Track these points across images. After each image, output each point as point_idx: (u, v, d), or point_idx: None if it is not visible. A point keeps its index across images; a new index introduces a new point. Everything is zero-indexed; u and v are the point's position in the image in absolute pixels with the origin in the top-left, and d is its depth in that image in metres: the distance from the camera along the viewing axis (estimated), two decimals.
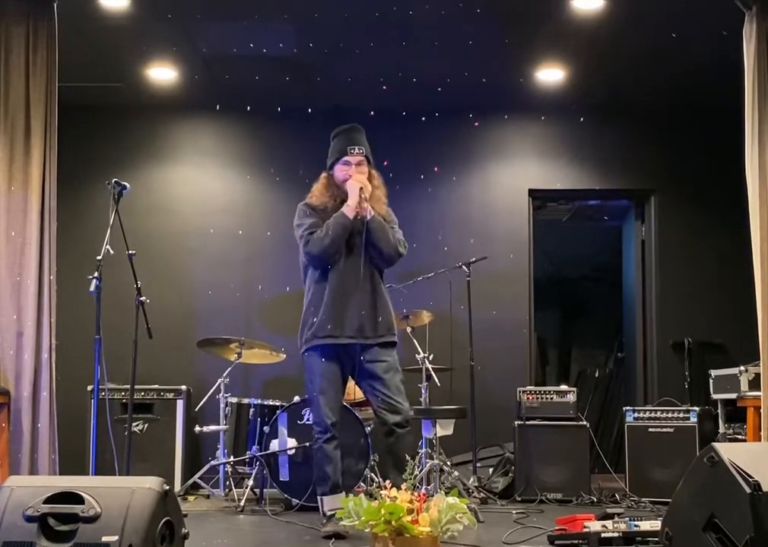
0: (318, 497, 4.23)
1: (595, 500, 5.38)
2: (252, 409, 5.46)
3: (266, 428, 5.18)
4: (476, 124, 6.70)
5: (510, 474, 5.69)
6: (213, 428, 5.43)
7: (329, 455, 4.15)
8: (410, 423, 4.25)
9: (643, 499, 5.32)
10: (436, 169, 6.68)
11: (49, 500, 2.69)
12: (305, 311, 4.33)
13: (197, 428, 5.41)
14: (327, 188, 4.34)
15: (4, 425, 4.44)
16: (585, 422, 5.63)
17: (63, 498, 2.69)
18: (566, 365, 9.49)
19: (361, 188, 4.21)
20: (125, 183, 4.45)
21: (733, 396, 5.41)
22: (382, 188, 4.40)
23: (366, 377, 4.23)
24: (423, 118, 6.64)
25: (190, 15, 5.37)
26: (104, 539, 2.60)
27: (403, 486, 3.25)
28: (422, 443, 5.23)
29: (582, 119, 6.77)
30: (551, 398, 5.70)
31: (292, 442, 5.09)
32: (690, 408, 5.57)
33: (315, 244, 4.21)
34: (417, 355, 5.51)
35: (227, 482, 5.45)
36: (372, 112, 6.68)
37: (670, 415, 5.57)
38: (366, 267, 4.22)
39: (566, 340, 9.57)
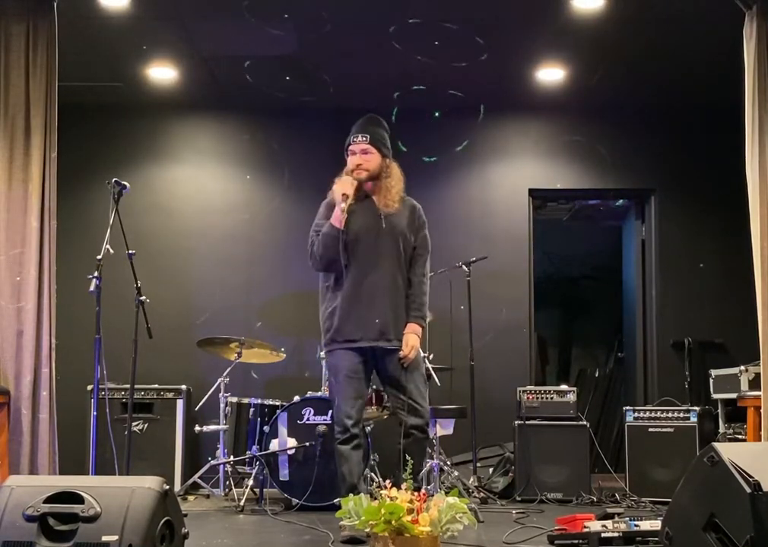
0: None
1: (595, 500, 5.37)
2: (252, 409, 5.46)
3: (266, 428, 5.18)
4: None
5: (510, 474, 5.69)
6: (213, 427, 5.43)
7: (345, 455, 4.05)
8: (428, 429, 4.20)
9: (643, 499, 5.32)
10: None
11: (48, 499, 2.70)
12: (323, 313, 4.19)
13: (197, 428, 5.41)
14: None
15: (4, 424, 4.44)
16: (585, 422, 5.63)
17: (63, 498, 2.70)
18: (566, 364, 9.50)
19: (344, 195, 4.06)
20: (125, 183, 4.45)
21: (733, 396, 5.41)
22: (395, 178, 4.23)
23: (387, 377, 4.19)
24: (423, 118, 6.65)
25: (190, 15, 5.37)
26: (104, 538, 2.60)
27: (403, 486, 3.25)
28: None
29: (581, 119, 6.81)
30: (551, 398, 5.70)
31: (292, 442, 5.09)
32: (690, 408, 5.57)
33: (312, 259, 4.14)
34: None
35: (227, 482, 5.45)
36: (371, 112, 6.71)
37: (670, 415, 5.57)
38: (388, 267, 4.14)
39: (566, 340, 9.58)
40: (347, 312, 4.08)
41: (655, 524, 3.55)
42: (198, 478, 5.50)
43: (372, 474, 5.17)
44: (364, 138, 4.19)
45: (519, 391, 5.75)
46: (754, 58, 4.67)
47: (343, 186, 4.11)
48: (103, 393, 4.34)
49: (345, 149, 4.25)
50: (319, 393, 5.34)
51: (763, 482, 2.71)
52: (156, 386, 5.88)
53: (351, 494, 3.35)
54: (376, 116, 4.34)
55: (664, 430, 5.55)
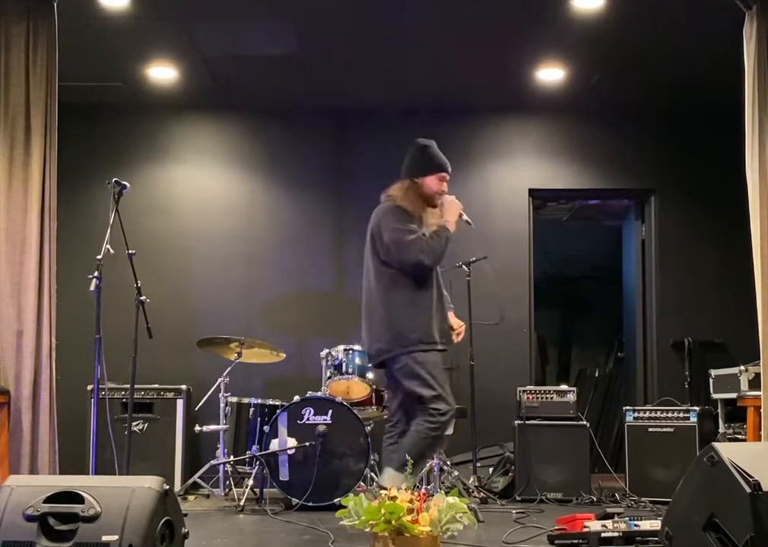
0: (393, 471, 4.05)
1: (595, 500, 5.38)
2: (252, 409, 5.46)
3: (266, 428, 5.18)
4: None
5: (510, 474, 5.69)
6: (213, 427, 5.43)
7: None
8: None
9: (643, 499, 5.32)
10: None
11: (49, 499, 2.70)
12: (410, 312, 4.23)
13: (197, 428, 5.41)
14: (417, 197, 4.37)
15: (4, 424, 4.44)
16: (585, 422, 5.63)
17: (63, 498, 2.70)
18: (566, 364, 9.50)
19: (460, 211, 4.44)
20: (125, 182, 4.46)
21: (733, 395, 5.41)
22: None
23: None
24: (423, 118, 6.65)
25: (190, 15, 5.37)
26: (104, 538, 2.60)
27: (403, 486, 3.25)
28: None
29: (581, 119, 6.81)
30: (551, 398, 5.70)
31: (292, 442, 5.09)
32: (690, 408, 5.57)
33: (430, 255, 4.23)
34: None
35: (227, 482, 5.45)
36: (371, 112, 6.72)
37: (670, 415, 5.57)
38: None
39: (566, 340, 9.58)
40: (434, 318, 4.26)
41: (655, 524, 3.55)
42: (198, 478, 5.50)
43: (372, 474, 5.17)
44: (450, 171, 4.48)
45: (519, 391, 5.75)
46: (754, 58, 4.67)
47: (457, 203, 4.46)
48: (103, 393, 4.34)
49: (433, 171, 4.40)
50: (319, 393, 5.34)
51: (763, 482, 2.71)
52: (156, 386, 5.88)
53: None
54: None
55: (664, 430, 5.55)
